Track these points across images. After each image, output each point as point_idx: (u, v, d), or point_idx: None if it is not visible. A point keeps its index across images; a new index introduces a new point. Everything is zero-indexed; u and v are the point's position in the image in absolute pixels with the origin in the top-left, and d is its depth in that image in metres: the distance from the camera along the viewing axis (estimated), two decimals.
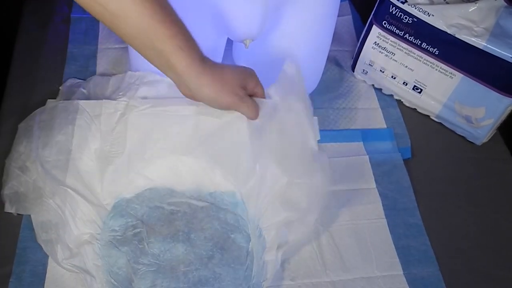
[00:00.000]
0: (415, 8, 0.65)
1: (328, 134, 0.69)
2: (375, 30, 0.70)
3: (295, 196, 0.56)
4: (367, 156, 0.68)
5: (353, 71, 0.77)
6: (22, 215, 0.58)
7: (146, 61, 0.53)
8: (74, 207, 0.55)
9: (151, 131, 0.59)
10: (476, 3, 0.63)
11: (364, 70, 0.75)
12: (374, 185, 0.65)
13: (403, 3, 0.65)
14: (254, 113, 0.57)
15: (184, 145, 0.58)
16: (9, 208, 0.57)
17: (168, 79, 0.54)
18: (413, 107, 0.74)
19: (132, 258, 0.54)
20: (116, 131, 0.59)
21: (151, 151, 0.58)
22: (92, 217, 0.56)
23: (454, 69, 0.66)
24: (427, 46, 0.66)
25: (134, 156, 0.58)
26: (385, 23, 0.68)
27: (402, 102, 0.75)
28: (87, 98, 0.65)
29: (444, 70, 0.67)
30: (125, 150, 0.58)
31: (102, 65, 0.73)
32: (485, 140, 0.70)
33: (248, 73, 0.57)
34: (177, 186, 0.59)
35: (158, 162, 0.58)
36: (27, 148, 0.59)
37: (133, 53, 0.65)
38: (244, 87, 0.56)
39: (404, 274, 0.58)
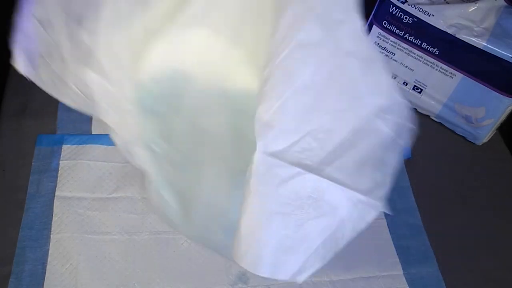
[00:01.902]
0: (415, 8, 0.65)
1: None
2: (375, 30, 0.70)
3: None
4: None
5: None
6: (22, 214, 0.57)
7: None
8: None
9: None
10: (476, 3, 0.63)
11: None
12: None
13: (403, 3, 0.65)
14: None
15: None
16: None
17: None
18: (413, 107, 0.74)
19: None
20: None
21: None
22: None
23: (454, 69, 0.66)
24: (427, 46, 0.66)
25: None
26: (385, 23, 0.68)
27: None
28: None
29: (444, 70, 0.67)
30: None
31: None
32: (485, 140, 0.70)
33: None
34: None
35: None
36: None
37: None
38: None
39: (404, 274, 0.58)
